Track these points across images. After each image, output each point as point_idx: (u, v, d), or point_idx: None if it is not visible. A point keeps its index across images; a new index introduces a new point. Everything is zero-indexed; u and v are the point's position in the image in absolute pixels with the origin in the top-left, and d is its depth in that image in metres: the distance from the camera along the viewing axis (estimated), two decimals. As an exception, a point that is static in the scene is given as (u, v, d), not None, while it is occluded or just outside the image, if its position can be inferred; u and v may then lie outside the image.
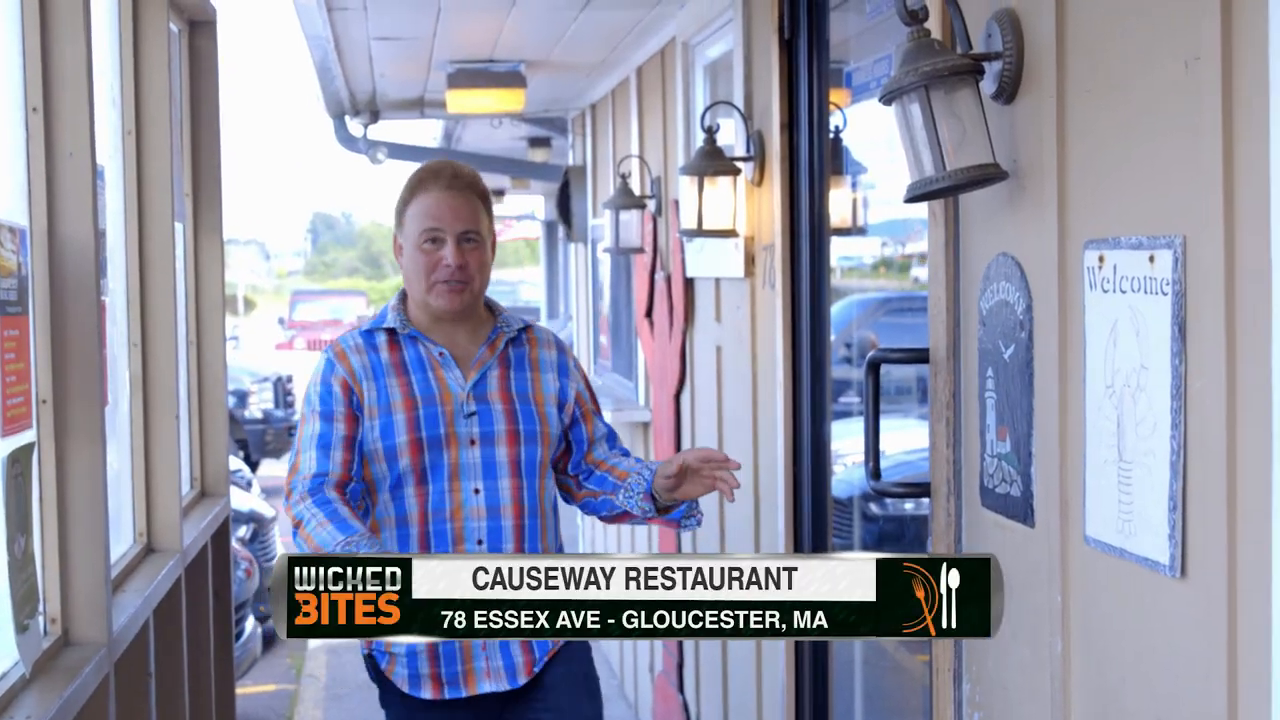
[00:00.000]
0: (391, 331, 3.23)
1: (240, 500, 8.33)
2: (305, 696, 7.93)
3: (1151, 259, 1.94)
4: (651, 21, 6.01)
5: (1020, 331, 2.38)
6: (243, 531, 8.27)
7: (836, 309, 4.41)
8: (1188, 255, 1.87)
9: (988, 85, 2.41)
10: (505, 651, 3.16)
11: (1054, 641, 2.28)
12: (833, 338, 4.34)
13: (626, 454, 3.30)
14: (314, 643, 8.91)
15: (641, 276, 6.53)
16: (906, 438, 2.76)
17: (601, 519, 3.30)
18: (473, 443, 3.13)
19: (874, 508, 4.24)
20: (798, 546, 4.26)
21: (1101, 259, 2.08)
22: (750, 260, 4.67)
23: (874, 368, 2.78)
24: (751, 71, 4.62)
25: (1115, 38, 2.08)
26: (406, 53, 7.09)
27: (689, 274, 5.55)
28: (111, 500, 3.36)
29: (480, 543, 3.11)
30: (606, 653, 7.98)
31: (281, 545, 8.95)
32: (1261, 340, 1.72)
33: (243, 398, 15.16)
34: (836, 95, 4.17)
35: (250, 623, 7.25)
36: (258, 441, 15.25)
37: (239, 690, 6.78)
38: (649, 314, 6.39)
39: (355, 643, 8.85)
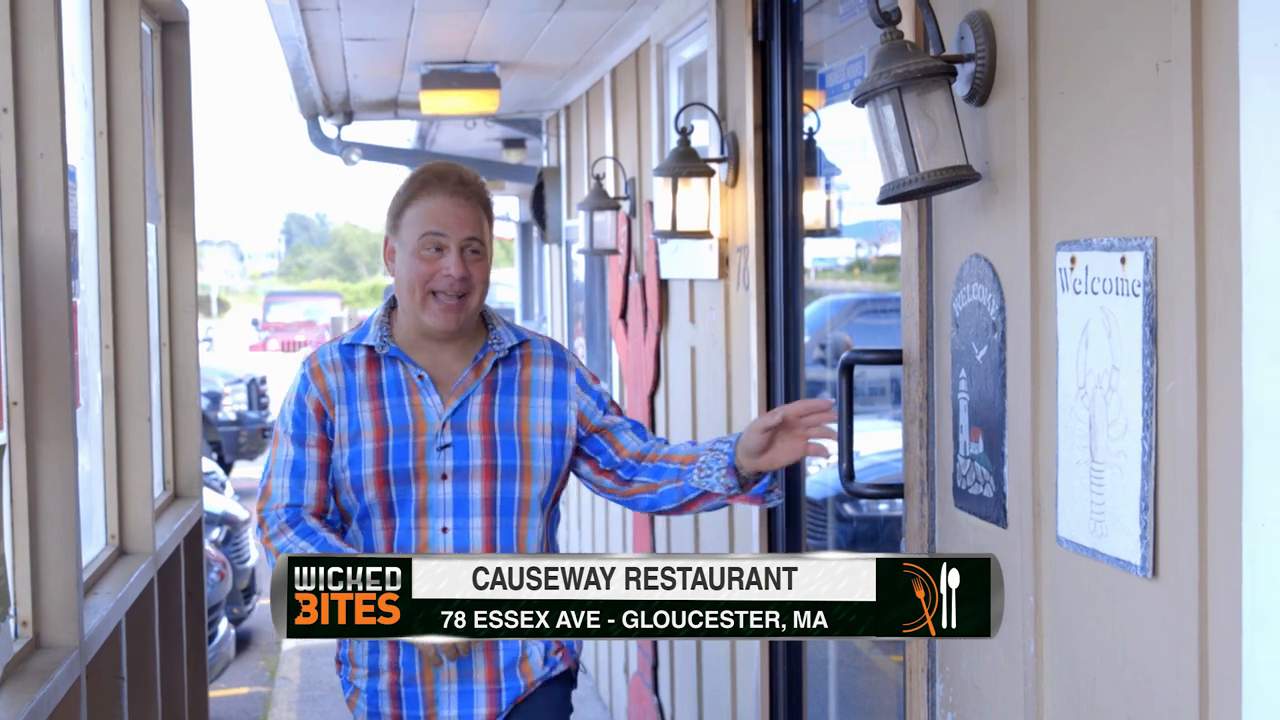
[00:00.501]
0: (370, 348, 3.00)
1: (213, 502, 8.30)
2: (279, 699, 7.90)
3: (1123, 260, 1.95)
4: (625, 23, 6.01)
5: (993, 333, 2.39)
6: (216, 534, 8.24)
7: (810, 310, 4.42)
8: (1159, 257, 1.88)
9: (960, 87, 2.42)
10: (466, 701, 2.97)
11: (1027, 642, 2.29)
12: (807, 339, 4.34)
13: (665, 441, 3.08)
14: (288, 645, 8.87)
15: (616, 278, 6.53)
16: (880, 439, 2.77)
17: (663, 512, 3.05)
18: (444, 477, 2.92)
19: (848, 509, 4.24)
20: (771, 547, 4.26)
21: (1073, 260, 2.09)
22: (724, 262, 4.67)
23: (848, 369, 2.79)
24: (725, 73, 4.62)
25: (1087, 40, 2.08)
26: (380, 54, 7.07)
27: (663, 275, 5.55)
28: (83, 502, 3.34)
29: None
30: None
31: (255, 548, 8.92)
32: (1232, 342, 1.73)
33: (216, 399, 15.11)
34: (810, 97, 4.17)
35: (224, 625, 7.22)
36: (231, 443, 15.20)
37: (212, 693, 6.75)
38: (623, 315, 6.38)
39: (329, 644, 8.82)
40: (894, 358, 2.83)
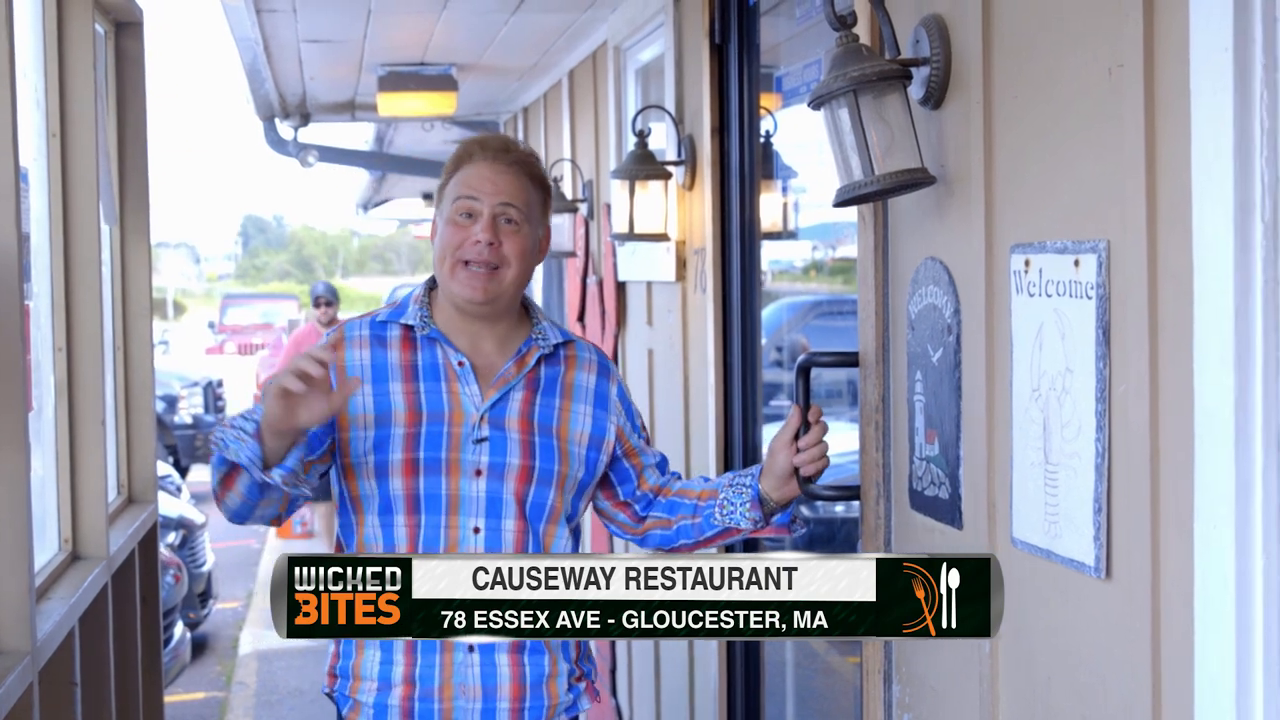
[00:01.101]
0: (408, 326, 2.77)
1: (169, 506, 8.24)
2: (235, 704, 7.84)
3: (1076, 263, 1.96)
4: (583, 25, 6.01)
5: (948, 335, 2.39)
6: (172, 538, 8.18)
7: (767, 312, 4.42)
8: (1112, 260, 1.89)
9: (916, 90, 2.43)
10: None
11: (982, 642, 2.29)
12: (764, 341, 4.35)
13: (678, 476, 2.92)
14: (245, 649, 8.82)
15: (574, 280, 6.52)
16: (837, 441, 2.76)
17: (678, 549, 2.86)
18: (478, 473, 2.69)
19: (805, 510, 4.25)
20: (729, 550, 4.26)
21: (1027, 263, 2.10)
22: (682, 264, 4.67)
23: (804, 371, 2.79)
24: (682, 76, 4.63)
25: (1040, 44, 2.09)
26: (337, 55, 7.04)
27: (621, 278, 5.54)
28: (35, 507, 3.31)
29: (471, 650, 2.70)
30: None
31: (211, 552, 8.86)
32: (1184, 344, 1.74)
33: (172, 403, 15.00)
34: (767, 100, 4.18)
35: (179, 629, 7.17)
36: (187, 447, 15.09)
37: (167, 698, 6.70)
38: (581, 318, 6.38)
39: (286, 648, 8.78)
40: (850, 360, 2.84)
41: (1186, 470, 1.74)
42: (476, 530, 2.67)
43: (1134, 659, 1.85)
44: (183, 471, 14.68)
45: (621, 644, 5.68)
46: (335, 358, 2.56)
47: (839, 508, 4.00)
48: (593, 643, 2.86)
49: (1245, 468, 1.65)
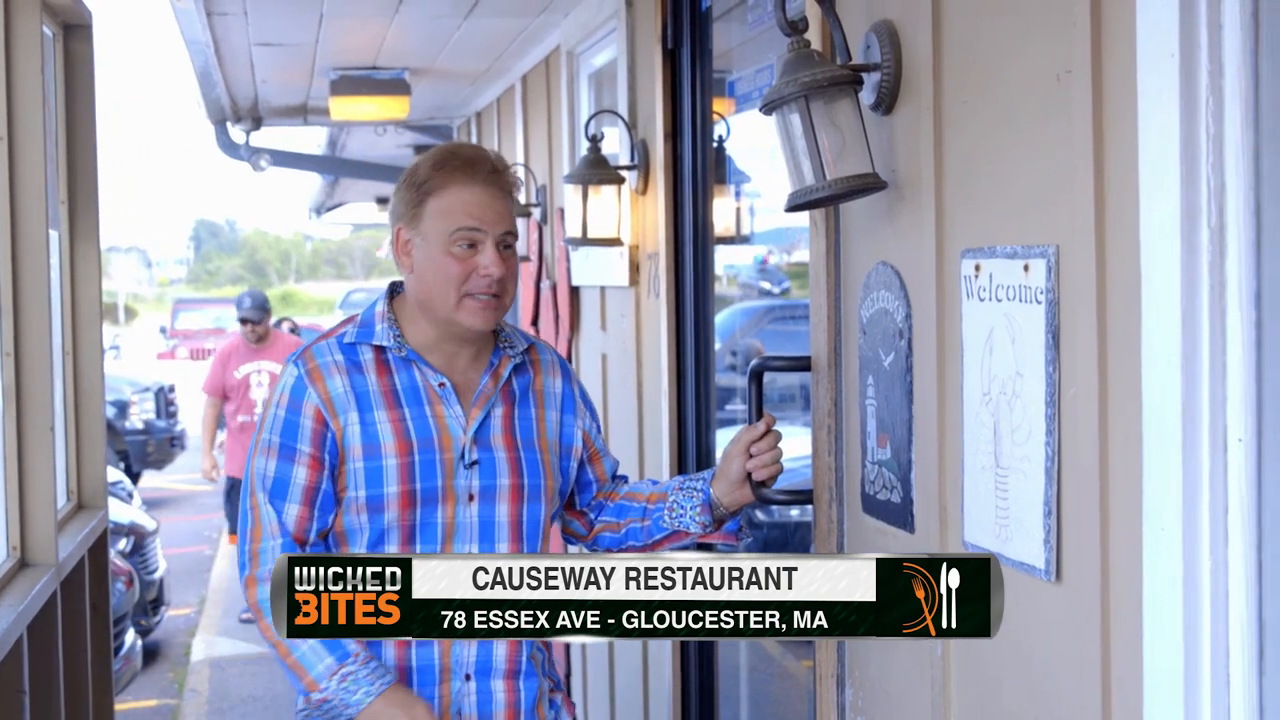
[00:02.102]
0: (380, 349, 2.67)
1: (120, 512, 8.17)
2: (187, 712, 7.78)
3: (1026, 268, 1.97)
4: (535, 30, 6.00)
5: (899, 340, 2.40)
6: (123, 544, 8.11)
7: (721, 317, 4.42)
8: (1061, 265, 1.90)
9: (867, 96, 2.43)
10: None
11: (934, 645, 2.30)
12: (718, 346, 4.35)
13: (625, 479, 2.91)
14: (197, 656, 8.75)
15: (527, 285, 6.51)
16: (790, 445, 2.77)
17: (624, 551, 2.82)
18: (471, 498, 2.63)
19: (759, 514, 4.26)
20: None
21: (978, 268, 2.11)
22: (635, 268, 4.67)
23: (757, 375, 2.79)
24: (635, 81, 4.62)
25: (989, 50, 2.10)
26: (288, 59, 7.00)
27: (574, 282, 5.54)
28: (-18, 514, 3.27)
29: (469, 679, 2.65)
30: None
31: (163, 558, 8.78)
32: (1131, 349, 1.75)
33: (123, 408, 14.87)
34: (719, 104, 4.18)
35: (130, 636, 7.11)
36: (139, 452, 14.96)
37: (119, 705, 6.64)
38: (535, 322, 6.37)
39: (238, 655, 8.72)
40: (803, 364, 2.84)
41: (1135, 473, 1.75)
42: None
43: (1084, 660, 1.86)
44: (134, 477, 14.57)
45: (576, 649, 5.67)
46: None
47: (793, 511, 4.01)
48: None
49: (1192, 470, 1.67)
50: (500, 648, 2.66)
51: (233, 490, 9.30)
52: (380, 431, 2.61)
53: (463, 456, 2.62)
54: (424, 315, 2.67)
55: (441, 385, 2.66)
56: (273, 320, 10.07)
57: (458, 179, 2.62)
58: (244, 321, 9.36)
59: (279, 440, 2.62)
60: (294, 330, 13.75)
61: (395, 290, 2.75)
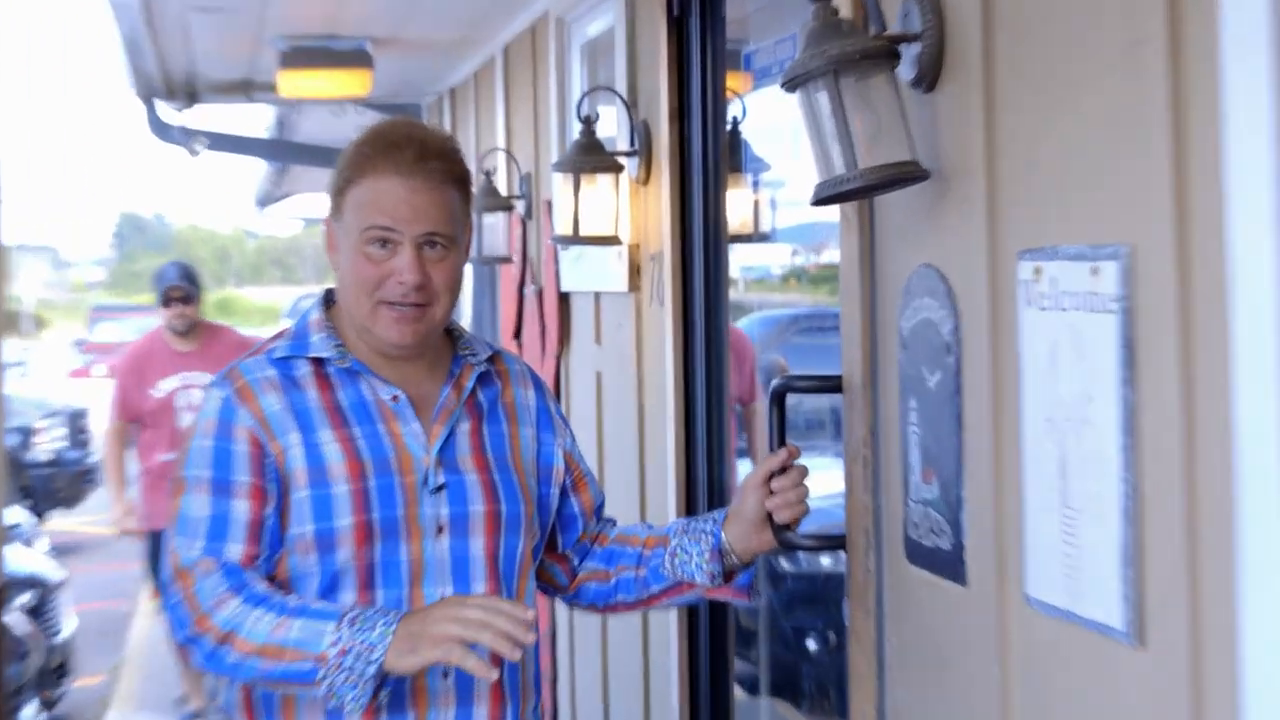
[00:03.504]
0: (318, 361, 2.66)
1: (20, 560, 8.12)
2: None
3: (1094, 271, 1.97)
4: (518, -8, 6.01)
5: (946, 356, 2.40)
6: (25, 598, 8.01)
7: (738, 328, 4.42)
8: (1136, 266, 1.89)
9: (905, 70, 2.43)
10: None
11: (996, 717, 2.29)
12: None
13: (613, 521, 2.90)
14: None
15: (508, 290, 6.51)
16: (819, 480, 2.77)
17: (614, 608, 2.84)
18: (440, 530, 2.60)
19: (783, 563, 4.25)
20: (691, 611, 4.25)
21: (1038, 271, 2.10)
22: (635, 271, 4.67)
23: (779, 398, 2.79)
24: (636, 53, 4.63)
25: (1050, 16, 2.10)
26: (231, 26, 7.01)
27: (564, 288, 5.54)
28: None
29: (446, 675, 2.59)
30: None
31: (73, 615, 8.71)
32: (1219, 364, 1.74)
33: (28, 436, 14.81)
34: (734, 80, 4.18)
35: (32, 710, 7.06)
36: (46, 489, 14.88)
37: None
38: (517, 335, 6.36)
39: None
40: (833, 385, 2.84)
41: (1226, 513, 1.74)
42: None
43: (1168, 737, 1.85)
44: (40, 518, 14.54)
45: (564, 652, 5.69)
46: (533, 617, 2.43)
47: (823, 560, 4.01)
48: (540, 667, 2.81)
49: (1294, 512, 1.65)
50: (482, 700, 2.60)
51: (158, 548, 7.69)
52: (327, 453, 2.58)
53: (426, 481, 2.60)
54: (352, 324, 2.67)
55: (395, 399, 2.64)
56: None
57: (376, 166, 2.60)
58: (168, 301, 7.74)
59: (209, 474, 2.56)
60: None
61: (332, 297, 2.75)
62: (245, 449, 2.57)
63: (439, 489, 2.61)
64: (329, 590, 2.56)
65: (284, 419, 2.59)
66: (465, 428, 2.68)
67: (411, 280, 2.57)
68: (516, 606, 2.42)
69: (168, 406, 7.63)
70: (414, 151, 2.60)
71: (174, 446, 7.33)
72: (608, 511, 2.95)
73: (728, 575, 2.74)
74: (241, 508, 2.55)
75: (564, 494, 2.81)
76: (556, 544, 2.84)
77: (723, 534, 2.72)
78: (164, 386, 7.67)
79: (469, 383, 2.71)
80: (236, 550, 2.54)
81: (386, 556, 2.57)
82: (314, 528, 2.55)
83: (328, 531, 2.55)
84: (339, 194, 2.65)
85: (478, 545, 2.62)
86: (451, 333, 2.77)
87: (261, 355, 2.67)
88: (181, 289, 7.71)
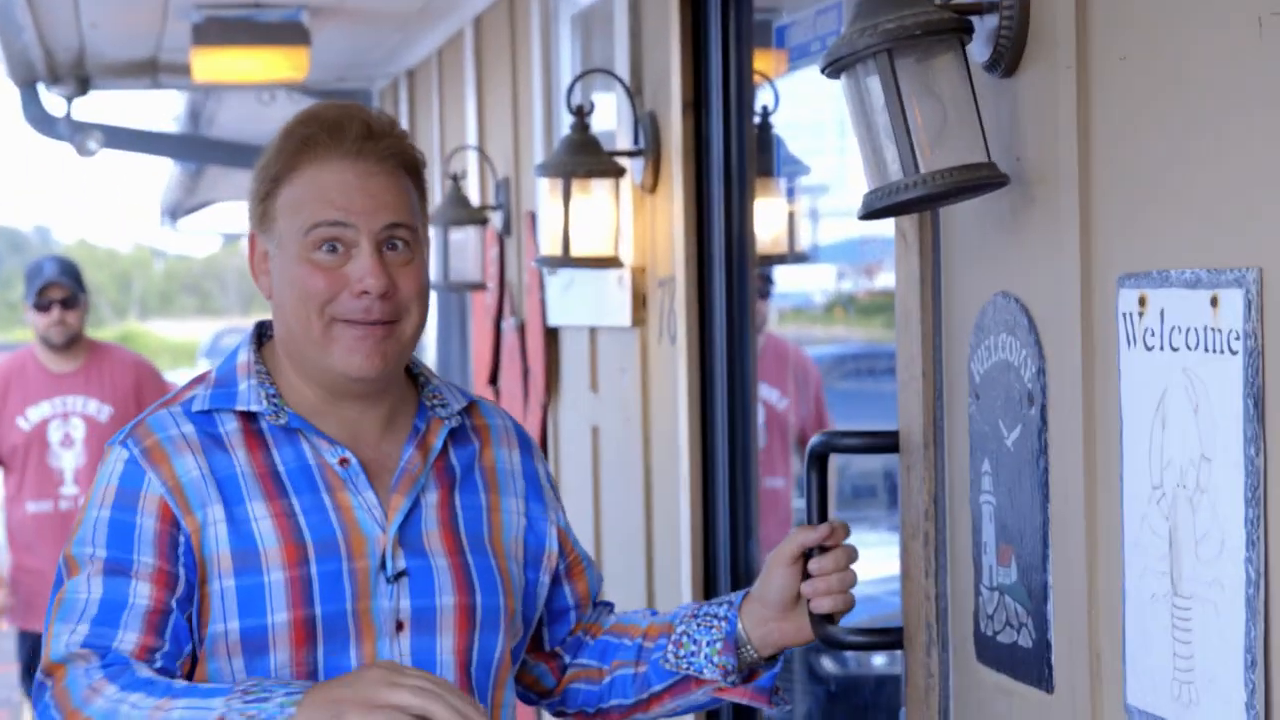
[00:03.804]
0: (249, 416, 2.63)
1: None
2: None
3: (1214, 301, 1.98)
4: (495, -49, 6.05)
5: (1029, 407, 2.41)
6: None
7: (767, 372, 4.44)
8: (1265, 296, 1.91)
9: (979, 50, 2.45)
10: None
11: None
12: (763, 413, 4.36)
13: (610, 607, 2.90)
14: None
15: (482, 324, 6.52)
16: (870, 561, 2.78)
17: (603, 714, 2.82)
18: (400, 627, 2.59)
19: (826, 663, 4.25)
20: (711, 714, 4.25)
21: (1143, 301, 2.11)
22: (640, 301, 4.68)
23: (818, 459, 2.80)
24: (640, 26, 4.65)
25: (1159, -17, 2.12)
26: (131, -6, 7.05)
27: (551, 321, 5.55)
28: None
29: None
30: None
31: None
32: (1370, 420, 1.76)
33: None
34: (764, 61, 4.20)
35: None
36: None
37: None
38: (493, 380, 6.37)
39: None
40: (887, 443, 2.84)
41: (1377, 605, 1.75)
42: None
43: None
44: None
45: None
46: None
47: (876, 659, 4.01)
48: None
49: None
50: None
51: (36, 648, 7.32)
52: (258, 531, 2.56)
53: (384, 565, 2.59)
54: (292, 358, 2.65)
55: (344, 462, 2.62)
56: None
57: (312, 153, 2.59)
58: (45, 304, 7.37)
59: (103, 554, 2.54)
60: None
61: (264, 332, 2.73)
62: (152, 524, 2.54)
63: (398, 576, 2.59)
64: None
65: (203, 488, 2.56)
66: (432, 499, 2.67)
67: (376, 287, 2.55)
68: (470, 701, 2.36)
69: (38, 441, 7.37)
70: (358, 130, 2.60)
71: (46, 494, 7.33)
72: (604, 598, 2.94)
73: (748, 674, 2.74)
74: (142, 592, 2.52)
75: (556, 581, 2.81)
76: (543, 640, 2.84)
77: (739, 620, 2.73)
78: (33, 415, 7.41)
79: (437, 441, 2.69)
80: (130, 640, 2.50)
81: (331, 661, 2.55)
82: (240, 625, 2.54)
83: (257, 630, 2.54)
84: (266, 198, 2.64)
85: (447, 645, 2.61)
86: (415, 376, 2.76)
87: (176, 406, 2.64)
88: (62, 287, 7.37)
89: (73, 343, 7.44)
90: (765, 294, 4.26)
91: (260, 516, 2.57)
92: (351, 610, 2.56)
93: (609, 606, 2.91)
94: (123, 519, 2.56)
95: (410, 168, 2.66)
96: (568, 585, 2.83)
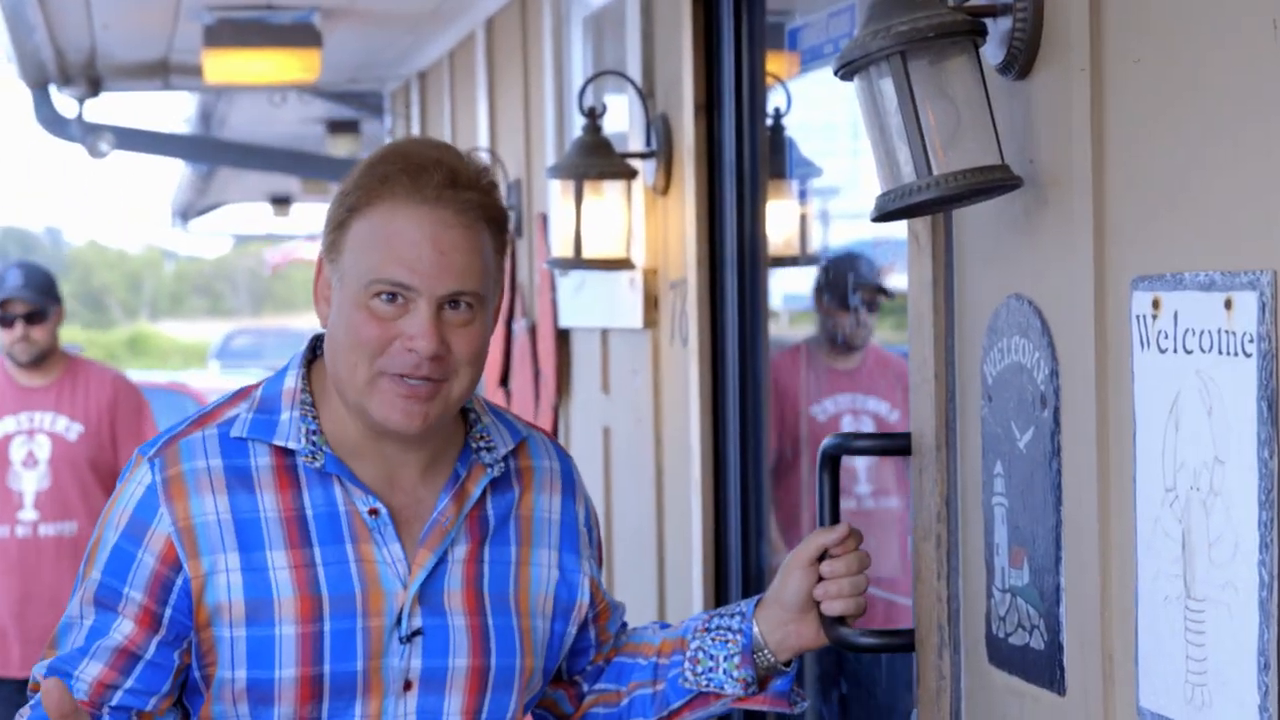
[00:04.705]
0: (285, 452, 2.58)
1: None
2: None
3: (1229, 304, 1.98)
4: (507, -48, 6.05)
5: (1041, 409, 2.41)
6: None
7: (778, 374, 4.43)
8: None
9: (992, 52, 2.45)
10: None
11: None
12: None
13: (626, 625, 2.87)
14: None
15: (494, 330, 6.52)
16: (881, 564, 2.78)
17: None
18: (408, 687, 2.56)
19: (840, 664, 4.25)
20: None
21: (1157, 304, 2.11)
22: (652, 303, 4.68)
23: (831, 461, 2.80)
24: (652, 28, 4.65)
25: (1173, -14, 2.12)
26: (143, -5, 7.06)
27: (563, 323, 5.55)
28: None
29: None
30: None
31: None
32: (1384, 423, 1.75)
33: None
34: (776, 63, 4.20)
35: None
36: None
37: None
38: (504, 382, 6.37)
39: None
40: (899, 445, 2.85)
41: (1391, 608, 1.75)
42: None
43: None
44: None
45: None
46: None
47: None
48: None
49: None
50: None
51: (13, 701, 6.27)
52: (275, 582, 2.53)
53: (399, 623, 2.55)
54: (340, 396, 2.58)
55: (373, 513, 2.56)
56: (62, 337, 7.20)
57: (390, 191, 2.51)
58: (5, 320, 6.69)
59: (100, 578, 2.54)
60: None
61: (317, 350, 2.66)
62: (152, 562, 2.52)
63: (412, 636, 2.56)
64: None
65: (217, 532, 2.53)
66: (460, 553, 2.61)
67: (426, 349, 2.47)
68: None
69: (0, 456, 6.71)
70: (442, 177, 2.52)
71: (2, 517, 6.67)
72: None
73: (764, 679, 2.73)
74: (124, 629, 2.52)
75: (583, 626, 2.76)
76: (561, 671, 2.81)
77: (755, 628, 2.71)
78: None
79: (475, 489, 2.63)
80: (91, 670, 2.51)
81: (336, 717, 2.54)
82: (246, 675, 2.52)
83: (264, 683, 2.52)
84: (339, 227, 2.55)
85: (455, 705, 2.59)
86: (466, 413, 2.68)
87: (213, 427, 2.58)
88: (25, 302, 6.66)
89: (41, 359, 6.74)
90: (873, 306, 4.23)
91: (279, 566, 2.53)
92: (361, 670, 2.54)
93: (624, 625, 2.87)
94: (127, 549, 2.54)
95: (492, 223, 2.57)
96: (593, 629, 2.78)
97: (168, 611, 2.52)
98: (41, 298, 6.69)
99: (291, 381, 2.60)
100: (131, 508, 2.54)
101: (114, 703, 2.52)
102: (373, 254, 2.49)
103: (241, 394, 2.65)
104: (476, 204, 2.53)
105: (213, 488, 2.53)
